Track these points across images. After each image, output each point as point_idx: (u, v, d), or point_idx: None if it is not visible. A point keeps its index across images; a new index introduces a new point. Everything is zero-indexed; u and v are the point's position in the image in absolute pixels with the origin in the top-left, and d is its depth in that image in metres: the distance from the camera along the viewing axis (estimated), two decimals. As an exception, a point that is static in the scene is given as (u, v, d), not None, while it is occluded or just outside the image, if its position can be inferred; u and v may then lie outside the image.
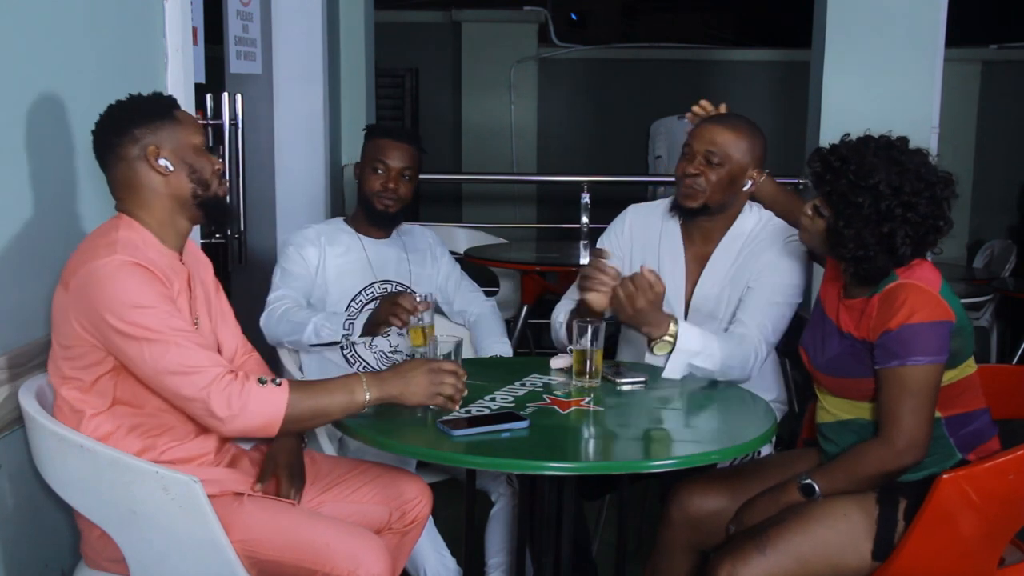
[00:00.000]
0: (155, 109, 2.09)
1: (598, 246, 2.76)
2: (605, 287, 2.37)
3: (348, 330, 2.76)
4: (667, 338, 2.33)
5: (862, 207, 2.12)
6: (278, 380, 1.99)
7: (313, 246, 2.95)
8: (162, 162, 2.06)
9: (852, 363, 2.22)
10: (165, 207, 2.09)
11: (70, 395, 2.03)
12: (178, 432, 2.08)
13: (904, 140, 2.19)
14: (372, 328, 2.74)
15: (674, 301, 2.64)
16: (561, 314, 2.69)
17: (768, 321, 2.51)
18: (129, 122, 2.06)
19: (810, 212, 2.23)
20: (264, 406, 1.95)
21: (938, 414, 2.18)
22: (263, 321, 2.86)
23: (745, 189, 2.58)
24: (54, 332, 2.05)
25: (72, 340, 1.99)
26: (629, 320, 2.35)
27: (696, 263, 2.66)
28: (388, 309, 2.64)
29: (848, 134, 2.23)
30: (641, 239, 2.73)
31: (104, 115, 2.10)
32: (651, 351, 2.36)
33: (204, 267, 2.30)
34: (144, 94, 2.12)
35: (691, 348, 2.33)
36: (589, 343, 2.31)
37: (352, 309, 2.92)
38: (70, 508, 2.11)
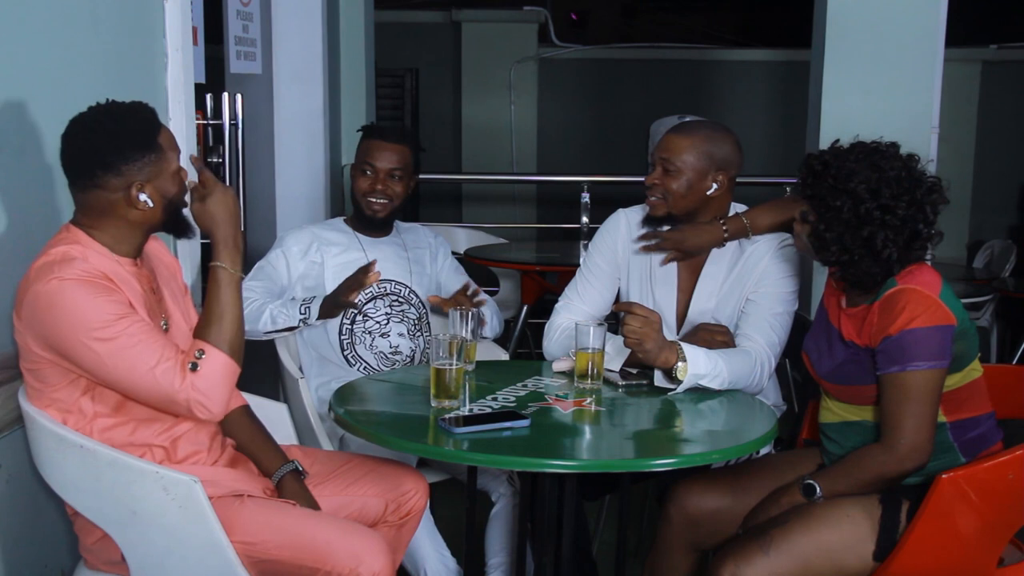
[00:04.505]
0: (144, 141, 1.96)
1: (590, 252, 2.75)
2: (653, 331, 2.31)
3: (304, 314, 2.76)
4: (681, 364, 2.31)
5: (841, 210, 2.13)
6: (201, 351, 1.97)
7: (301, 249, 2.94)
8: (143, 198, 1.97)
9: (856, 371, 2.22)
10: (126, 230, 2.02)
11: (57, 416, 2.02)
12: (166, 422, 2.08)
13: (894, 146, 2.19)
14: (330, 311, 2.76)
15: (667, 312, 2.63)
16: (556, 335, 2.67)
17: (774, 333, 2.52)
18: (117, 156, 1.94)
19: (799, 218, 2.26)
20: (218, 374, 1.97)
21: (943, 419, 2.17)
22: None
23: (709, 193, 2.55)
24: (20, 359, 2.02)
25: (37, 364, 1.97)
26: (644, 358, 2.33)
27: (689, 273, 2.64)
28: (347, 285, 2.68)
29: (838, 140, 2.23)
30: (636, 249, 2.70)
31: (84, 137, 1.95)
32: (674, 379, 2.32)
33: (170, 269, 2.23)
34: (126, 111, 1.99)
35: (699, 371, 2.33)
36: (591, 345, 2.32)
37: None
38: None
